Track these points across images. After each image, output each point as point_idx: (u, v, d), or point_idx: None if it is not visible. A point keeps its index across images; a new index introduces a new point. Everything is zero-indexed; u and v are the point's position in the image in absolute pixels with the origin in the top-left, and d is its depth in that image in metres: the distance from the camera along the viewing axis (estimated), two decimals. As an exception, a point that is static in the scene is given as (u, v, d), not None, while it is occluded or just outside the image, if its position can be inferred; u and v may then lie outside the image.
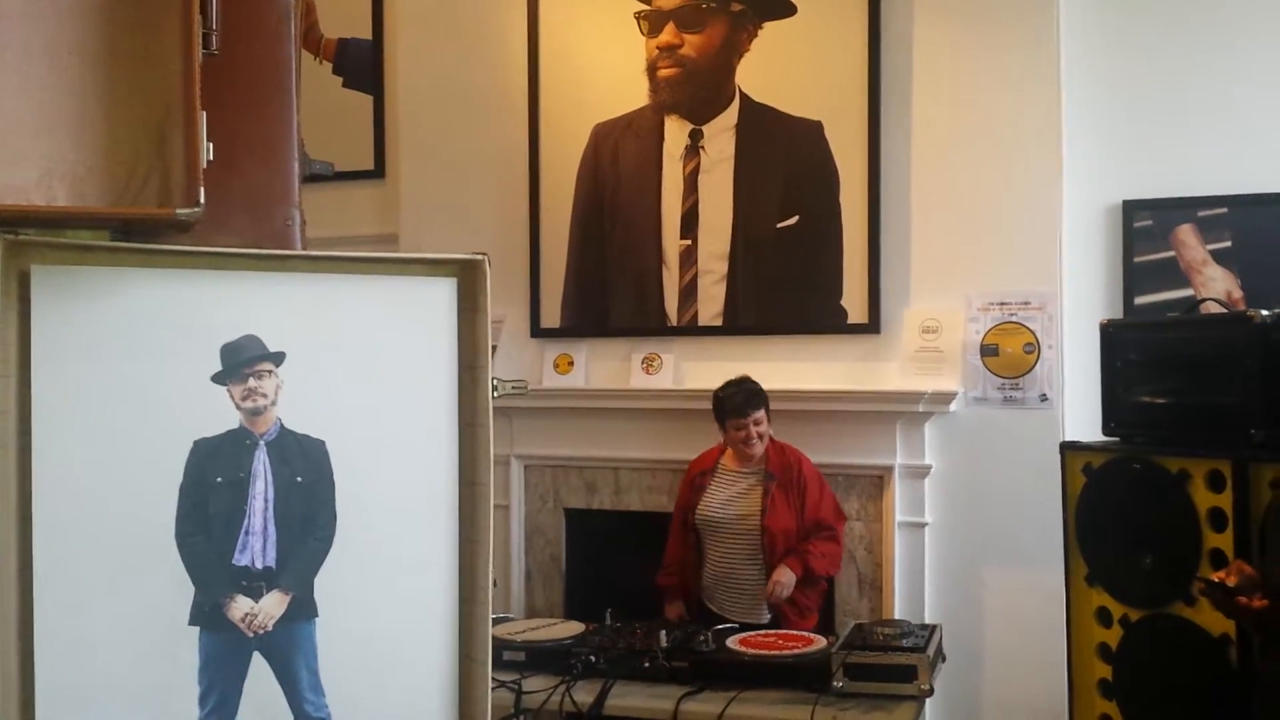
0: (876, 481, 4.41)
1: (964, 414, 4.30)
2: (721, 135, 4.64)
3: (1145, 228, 4.24)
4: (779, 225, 4.55)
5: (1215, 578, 2.45)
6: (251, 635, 1.65)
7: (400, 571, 1.74)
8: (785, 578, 3.84)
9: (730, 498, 4.05)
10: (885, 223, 4.41)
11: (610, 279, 4.82)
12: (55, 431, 1.54)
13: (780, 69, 4.56)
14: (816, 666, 3.31)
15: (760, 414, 4.01)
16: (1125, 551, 3.04)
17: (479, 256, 1.78)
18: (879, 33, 4.42)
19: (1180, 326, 3.27)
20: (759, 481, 4.02)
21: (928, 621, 4.01)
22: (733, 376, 4.15)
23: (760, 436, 4.01)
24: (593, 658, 3.41)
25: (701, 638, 3.51)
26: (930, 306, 4.37)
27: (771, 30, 4.57)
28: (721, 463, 4.12)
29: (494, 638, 1.80)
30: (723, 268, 4.63)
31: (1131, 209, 4.26)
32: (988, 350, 4.27)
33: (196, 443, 1.62)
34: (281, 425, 1.67)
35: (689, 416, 4.56)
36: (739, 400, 4.02)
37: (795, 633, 3.62)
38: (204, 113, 1.48)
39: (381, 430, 1.73)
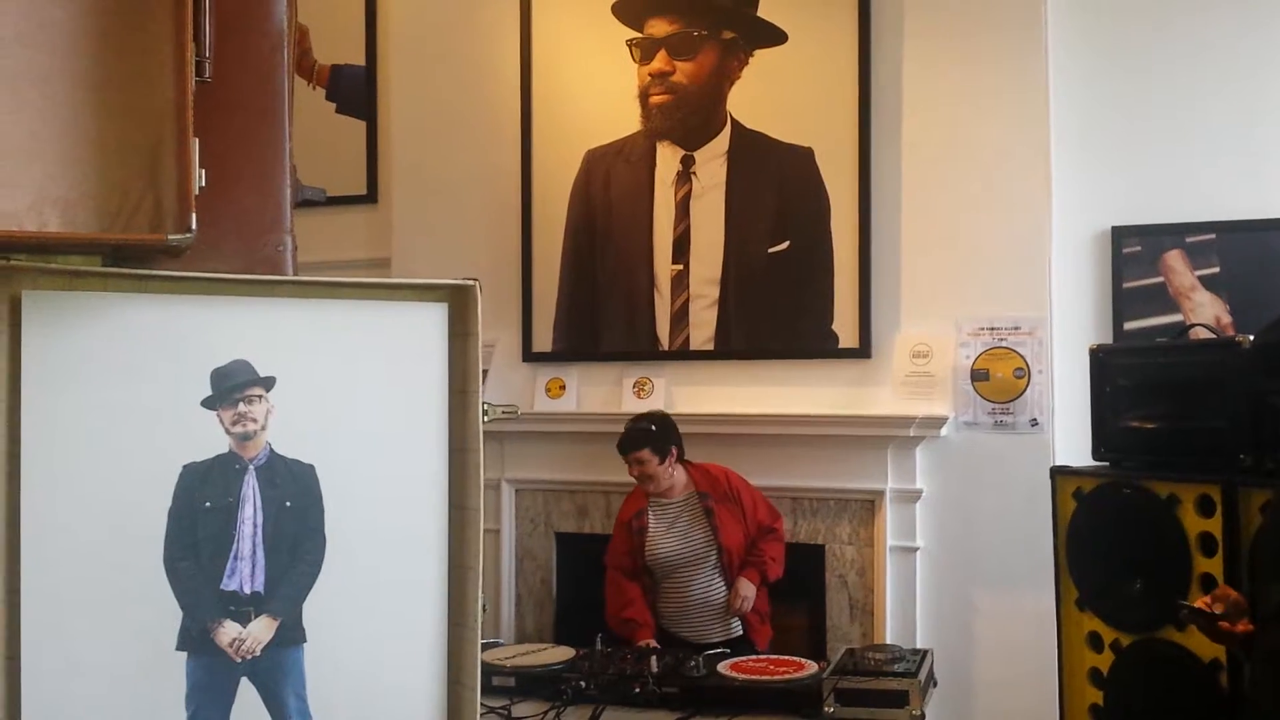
0: (868, 506, 4.41)
1: (955, 438, 4.31)
2: (713, 161, 4.67)
3: (1134, 253, 4.27)
4: (770, 250, 4.57)
5: (1197, 604, 2.45)
6: (239, 661, 1.65)
7: (389, 596, 1.74)
8: (747, 590, 3.90)
9: (679, 531, 4.05)
10: (876, 248, 4.43)
11: (602, 303, 4.84)
12: (44, 456, 1.54)
13: (771, 96, 4.59)
14: (808, 692, 3.29)
15: (644, 453, 3.99)
16: (1116, 576, 3.05)
17: (469, 281, 1.78)
18: (869, 60, 4.45)
19: (1169, 352, 3.29)
20: (696, 505, 4.04)
21: (919, 646, 4.00)
22: (646, 411, 4.23)
23: (650, 477, 4.01)
24: (583, 683, 3.39)
25: (692, 663, 3.50)
26: (921, 331, 4.38)
27: (762, 58, 4.61)
28: (652, 498, 4.11)
29: (483, 663, 1.79)
30: (714, 292, 4.65)
31: (1120, 235, 4.28)
32: (978, 375, 4.28)
33: (186, 467, 1.62)
34: (271, 450, 1.67)
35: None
36: (624, 439, 4.06)
37: (786, 658, 3.61)
38: (196, 139, 1.49)
39: (371, 455, 1.74)
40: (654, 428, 4.06)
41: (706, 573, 4.00)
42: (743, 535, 4.00)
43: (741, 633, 3.96)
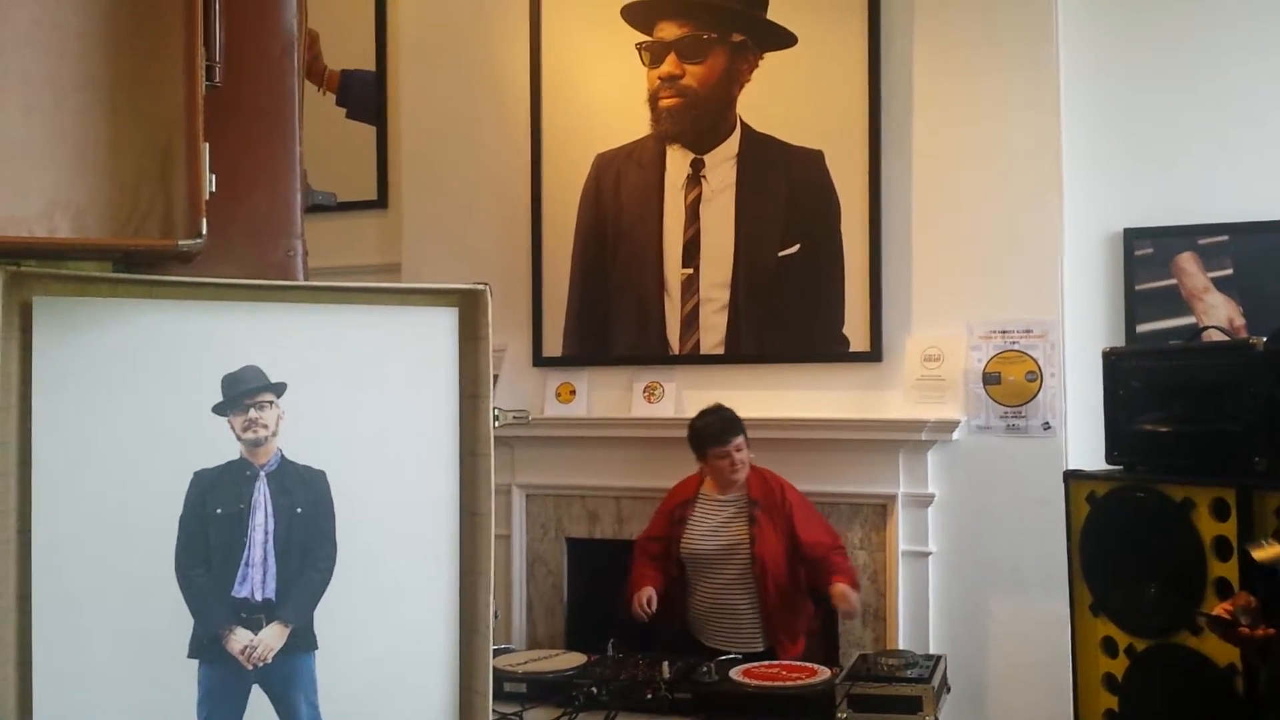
0: (880, 511, 4.39)
1: (967, 442, 4.29)
2: (723, 164, 4.66)
3: (1146, 255, 4.25)
4: (780, 254, 4.56)
5: (1215, 611, 2.43)
6: (251, 668, 1.64)
7: (401, 603, 1.73)
8: (852, 593, 3.84)
9: (716, 528, 4.03)
10: (886, 251, 4.42)
11: (612, 308, 4.83)
12: (55, 462, 1.53)
13: (781, 99, 4.58)
14: (820, 698, 3.28)
15: (740, 440, 3.99)
16: (1130, 581, 3.03)
17: (480, 286, 1.78)
18: (879, 63, 4.44)
19: (1183, 354, 3.27)
20: (743, 509, 4.00)
21: (932, 652, 3.98)
22: (707, 406, 4.16)
23: (743, 463, 4.00)
24: (595, 689, 3.38)
25: (704, 669, 3.49)
26: (932, 334, 4.36)
27: (772, 60, 4.60)
28: (702, 492, 4.10)
29: (495, 669, 1.78)
30: (724, 296, 4.64)
31: (1132, 237, 4.26)
32: (990, 378, 4.27)
33: (197, 474, 1.61)
34: (282, 456, 1.66)
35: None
36: (718, 428, 4.02)
37: (799, 664, 3.59)
38: (207, 144, 1.49)
39: (382, 461, 1.73)
40: (737, 415, 4.05)
41: (735, 577, 3.96)
42: (783, 550, 3.93)
43: (763, 648, 3.90)
